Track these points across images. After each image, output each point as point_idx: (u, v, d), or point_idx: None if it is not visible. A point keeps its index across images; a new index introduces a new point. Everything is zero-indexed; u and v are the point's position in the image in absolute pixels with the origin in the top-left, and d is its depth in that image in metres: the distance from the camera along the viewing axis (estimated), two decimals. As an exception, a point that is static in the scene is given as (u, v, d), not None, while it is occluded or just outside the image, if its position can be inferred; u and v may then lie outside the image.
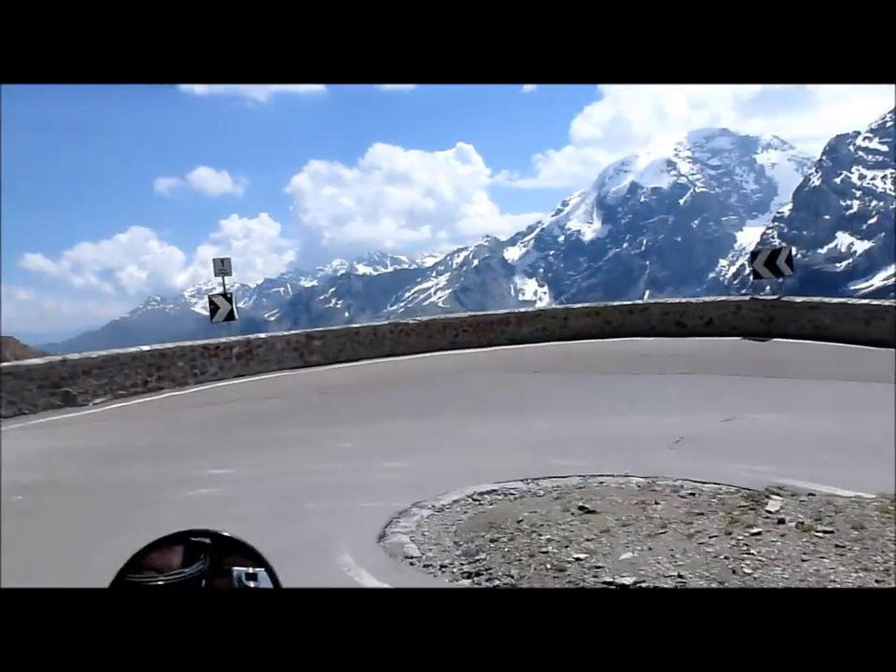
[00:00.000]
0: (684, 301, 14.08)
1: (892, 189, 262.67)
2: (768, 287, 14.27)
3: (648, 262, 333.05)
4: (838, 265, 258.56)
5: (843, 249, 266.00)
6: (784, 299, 12.96)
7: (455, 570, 4.77)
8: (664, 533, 4.70)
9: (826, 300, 12.56)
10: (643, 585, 3.94)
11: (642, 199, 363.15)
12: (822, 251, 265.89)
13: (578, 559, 4.35)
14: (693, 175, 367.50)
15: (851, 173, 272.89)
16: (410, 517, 6.32)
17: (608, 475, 7.48)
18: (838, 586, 3.62)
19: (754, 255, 13.20)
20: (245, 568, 1.07)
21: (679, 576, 3.93)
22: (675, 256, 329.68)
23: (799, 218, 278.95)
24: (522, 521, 5.40)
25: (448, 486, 7.21)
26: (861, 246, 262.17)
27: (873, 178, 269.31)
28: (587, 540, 4.69)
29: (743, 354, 12.18)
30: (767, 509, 4.87)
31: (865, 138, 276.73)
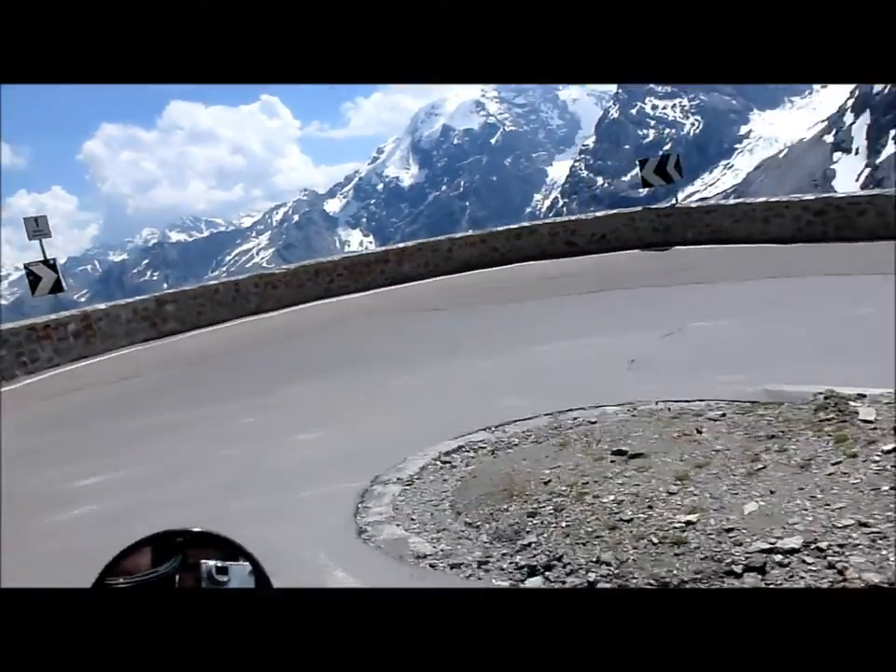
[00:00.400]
0: (574, 218, 13.20)
1: (681, 116, 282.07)
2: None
3: (467, 203, 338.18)
4: (641, 191, 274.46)
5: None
6: (678, 206, 12.40)
7: (504, 567, 3.42)
8: (763, 468, 3.60)
9: (723, 202, 12.13)
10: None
11: (455, 141, 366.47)
12: (626, 179, 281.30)
13: (689, 523, 3.15)
14: (501, 114, 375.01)
15: (645, 103, 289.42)
16: (378, 498, 4.92)
17: (578, 409, 6.44)
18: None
19: (642, 163, 12.51)
20: (214, 562, 1.02)
21: (863, 524, 2.83)
22: (492, 195, 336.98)
23: (602, 150, 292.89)
24: (550, 481, 4.13)
25: (396, 452, 5.87)
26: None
27: (664, 108, 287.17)
28: (670, 494, 3.50)
29: (647, 265, 11.51)
30: (861, 418, 3.88)
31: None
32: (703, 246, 11.72)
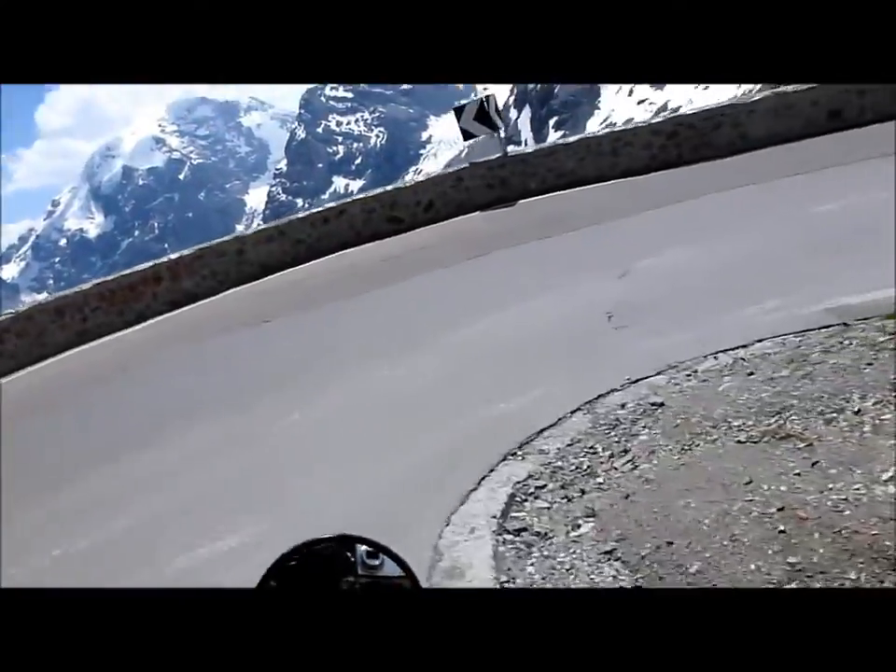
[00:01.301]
0: (391, 188, 10.82)
1: (366, 130, 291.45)
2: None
3: (167, 245, 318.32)
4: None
5: (342, 191, 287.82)
6: (511, 154, 10.59)
7: None
8: None
9: (562, 140, 10.51)
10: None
11: (140, 182, 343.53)
12: (325, 196, 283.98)
13: None
14: (185, 148, 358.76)
15: (329, 121, 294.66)
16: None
17: (609, 392, 4.40)
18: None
19: (458, 111, 10.51)
20: (365, 547, 1.04)
21: None
22: (191, 232, 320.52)
23: (296, 171, 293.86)
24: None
25: (406, 540, 3.27)
26: (356, 185, 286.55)
27: (348, 123, 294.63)
28: None
29: (504, 224, 9.50)
30: None
31: (332, 88, 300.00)
32: (553, 194, 10.03)
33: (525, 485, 3.37)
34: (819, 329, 4.58)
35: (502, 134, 10.75)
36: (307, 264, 10.23)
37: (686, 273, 6.15)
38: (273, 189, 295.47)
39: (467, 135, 10.58)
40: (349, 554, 1.02)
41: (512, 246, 8.10)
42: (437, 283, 7.37)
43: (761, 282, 5.67)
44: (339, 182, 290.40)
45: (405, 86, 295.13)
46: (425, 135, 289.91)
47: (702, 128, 9.60)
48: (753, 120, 9.47)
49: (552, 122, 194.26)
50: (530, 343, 5.31)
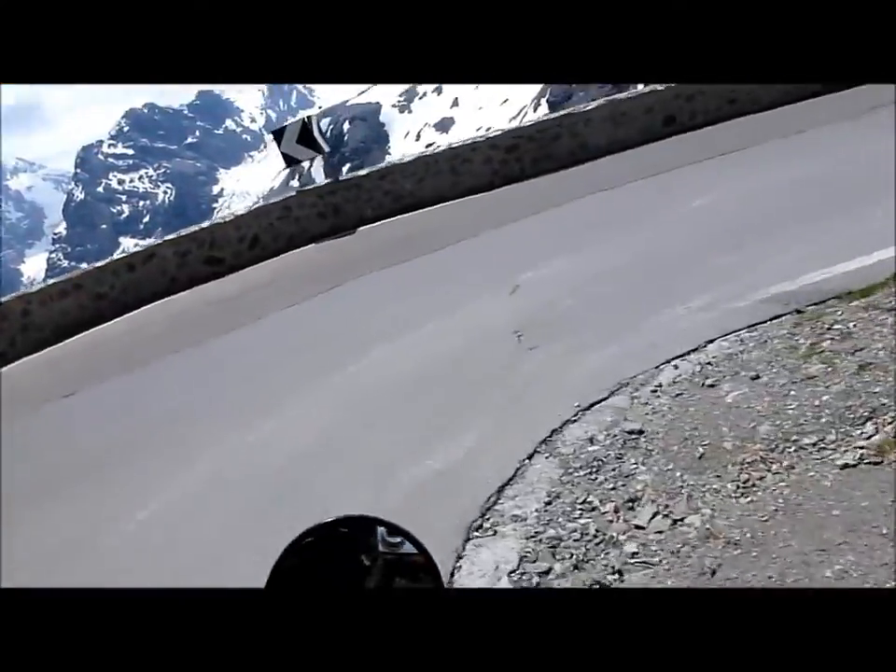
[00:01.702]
0: (206, 225, 9.35)
1: (152, 187, 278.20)
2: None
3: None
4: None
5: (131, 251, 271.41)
6: (343, 178, 9.57)
7: None
8: None
9: (397, 161, 9.60)
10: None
11: None
12: (102, 263, 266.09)
13: None
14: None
15: (110, 179, 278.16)
16: None
17: (564, 425, 3.53)
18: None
19: (278, 135, 9.33)
20: (384, 528, 1.00)
21: None
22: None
23: (77, 234, 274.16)
24: None
25: None
26: (147, 244, 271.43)
27: (131, 181, 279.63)
28: None
29: (352, 252, 8.39)
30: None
31: (110, 145, 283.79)
32: (394, 219, 9.11)
33: (524, 574, 2.34)
34: (770, 320, 4.00)
35: (326, 158, 9.75)
36: (113, 321, 8.55)
37: (581, 281, 5.47)
38: (53, 255, 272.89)
39: (290, 161, 9.45)
40: (368, 535, 0.97)
41: (367, 274, 7.07)
42: (290, 322, 6.15)
43: (669, 282, 5.11)
44: (127, 242, 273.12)
45: (189, 140, 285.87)
46: (216, 189, 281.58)
47: (541, 139, 9.15)
48: (591, 129, 9.17)
49: (345, 169, 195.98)
50: (434, 379, 4.30)
